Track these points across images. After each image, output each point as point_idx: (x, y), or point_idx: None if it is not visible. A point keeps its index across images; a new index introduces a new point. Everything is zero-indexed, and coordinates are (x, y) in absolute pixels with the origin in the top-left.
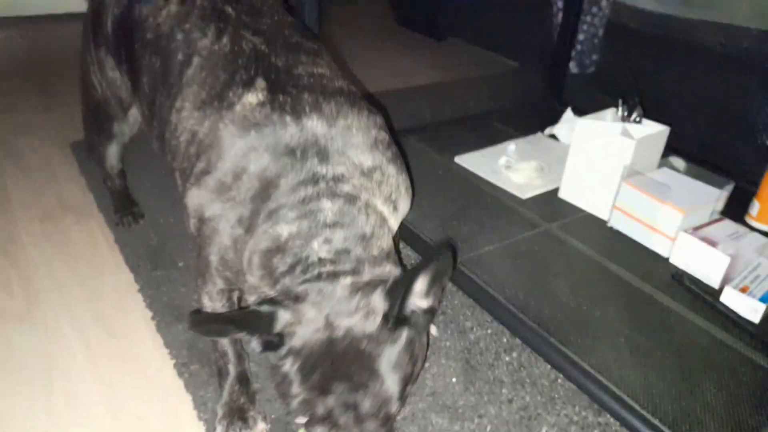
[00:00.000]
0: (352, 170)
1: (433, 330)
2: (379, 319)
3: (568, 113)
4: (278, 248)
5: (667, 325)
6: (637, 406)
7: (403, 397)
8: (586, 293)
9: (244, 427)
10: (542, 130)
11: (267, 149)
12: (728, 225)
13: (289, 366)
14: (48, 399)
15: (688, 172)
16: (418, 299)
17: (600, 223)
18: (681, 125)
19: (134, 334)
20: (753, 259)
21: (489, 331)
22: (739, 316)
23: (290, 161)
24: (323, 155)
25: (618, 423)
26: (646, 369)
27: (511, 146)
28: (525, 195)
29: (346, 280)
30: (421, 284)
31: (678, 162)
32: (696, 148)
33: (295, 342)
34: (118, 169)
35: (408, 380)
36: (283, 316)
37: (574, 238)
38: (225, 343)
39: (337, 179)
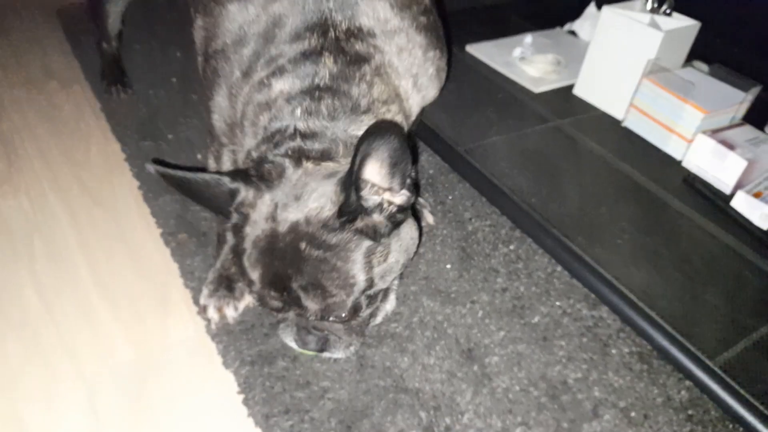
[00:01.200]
0: (373, 25)
1: (430, 219)
2: (327, 215)
3: (591, 8)
4: (267, 104)
5: (674, 227)
6: (635, 299)
7: (354, 305)
8: (593, 191)
9: (230, 295)
10: (562, 25)
11: None
12: (748, 130)
13: (245, 251)
14: (31, 262)
15: (712, 74)
16: (387, 194)
17: (614, 123)
18: (709, 30)
19: (120, 202)
20: None
21: (488, 222)
22: (749, 222)
23: None
24: None
25: (611, 318)
26: (649, 268)
27: (527, 38)
28: (538, 89)
29: (308, 165)
30: (375, 173)
31: (702, 67)
32: (723, 56)
33: (247, 228)
34: (118, 30)
35: (362, 288)
36: (244, 194)
37: (585, 136)
38: None
39: (351, 33)
